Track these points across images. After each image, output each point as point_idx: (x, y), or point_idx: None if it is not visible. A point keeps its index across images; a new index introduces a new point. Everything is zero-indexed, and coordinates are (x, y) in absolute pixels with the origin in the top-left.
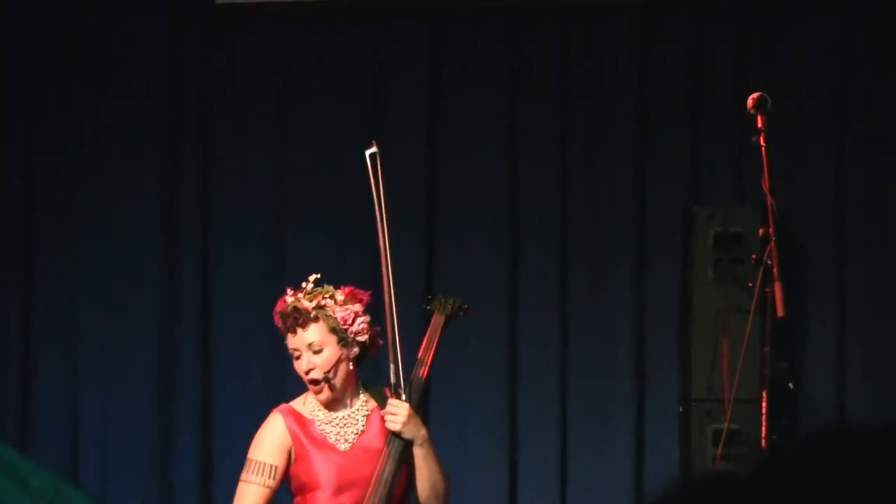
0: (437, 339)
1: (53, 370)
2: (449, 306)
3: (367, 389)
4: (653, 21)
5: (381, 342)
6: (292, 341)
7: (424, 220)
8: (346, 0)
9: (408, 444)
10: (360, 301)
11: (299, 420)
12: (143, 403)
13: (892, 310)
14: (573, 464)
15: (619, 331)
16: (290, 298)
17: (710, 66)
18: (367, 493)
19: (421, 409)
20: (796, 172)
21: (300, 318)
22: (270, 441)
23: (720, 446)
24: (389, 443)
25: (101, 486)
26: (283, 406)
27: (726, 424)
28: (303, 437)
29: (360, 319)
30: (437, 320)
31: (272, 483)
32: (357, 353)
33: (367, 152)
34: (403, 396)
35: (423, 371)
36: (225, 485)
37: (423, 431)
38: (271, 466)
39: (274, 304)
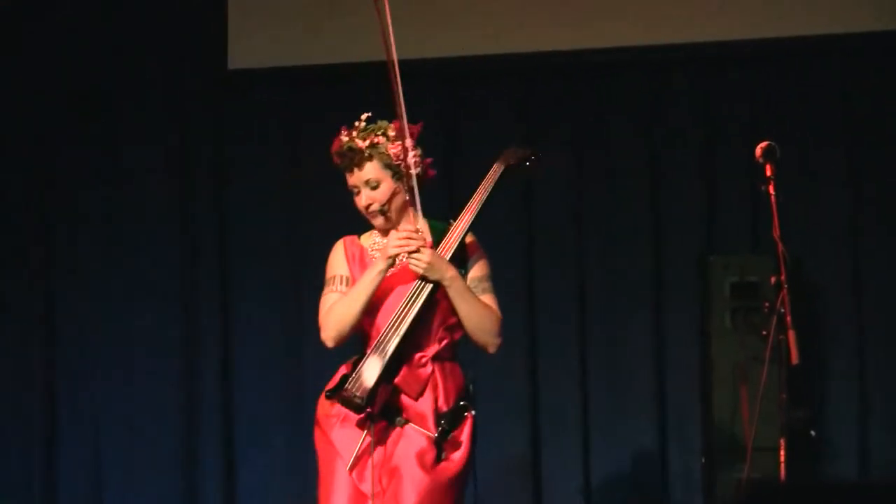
0: (488, 186)
1: (76, 371)
2: (514, 155)
3: (428, 221)
4: (665, 73)
5: (433, 172)
6: (350, 179)
7: None
8: (358, 63)
9: (435, 286)
10: (412, 135)
11: (355, 246)
12: (165, 404)
13: None
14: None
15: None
16: (344, 138)
17: (722, 116)
18: (386, 326)
19: (458, 254)
20: (812, 220)
21: (356, 158)
22: (336, 258)
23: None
24: (417, 284)
25: (124, 485)
26: (346, 237)
27: (746, 474)
28: (354, 263)
29: (411, 153)
30: (496, 169)
31: (348, 289)
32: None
33: None
34: (429, 241)
35: (466, 217)
36: (247, 483)
37: (449, 273)
38: (342, 276)
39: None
